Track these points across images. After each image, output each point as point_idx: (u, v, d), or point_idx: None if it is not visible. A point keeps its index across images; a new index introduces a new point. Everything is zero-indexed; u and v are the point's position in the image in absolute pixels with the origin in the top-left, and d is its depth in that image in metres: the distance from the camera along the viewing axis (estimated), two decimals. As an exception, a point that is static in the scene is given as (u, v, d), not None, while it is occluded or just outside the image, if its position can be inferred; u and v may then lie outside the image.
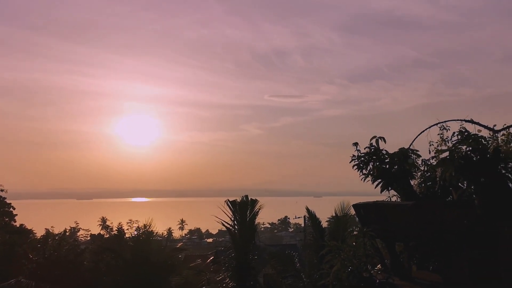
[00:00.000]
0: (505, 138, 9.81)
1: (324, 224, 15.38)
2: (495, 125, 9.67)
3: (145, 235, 16.41)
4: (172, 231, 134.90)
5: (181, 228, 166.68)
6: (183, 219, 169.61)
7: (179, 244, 31.33)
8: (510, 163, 7.20)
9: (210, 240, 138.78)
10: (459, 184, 7.97)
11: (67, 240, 23.81)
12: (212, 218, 15.34)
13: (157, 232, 20.11)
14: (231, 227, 14.94)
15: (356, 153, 9.44)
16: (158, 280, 15.12)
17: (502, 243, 6.96)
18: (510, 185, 7.32)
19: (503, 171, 7.18)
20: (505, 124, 9.78)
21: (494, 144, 9.54)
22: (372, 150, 9.25)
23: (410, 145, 9.80)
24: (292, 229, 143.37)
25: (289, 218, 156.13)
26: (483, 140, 7.36)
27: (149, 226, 16.51)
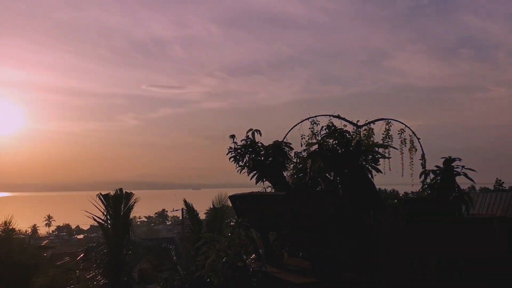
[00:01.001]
0: (366, 133, 10.75)
1: (202, 216, 15.43)
2: (358, 121, 10.54)
3: (5, 233, 14.93)
4: (37, 228, 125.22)
5: (48, 225, 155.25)
6: (50, 215, 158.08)
7: (45, 242, 29.11)
8: (370, 156, 7.88)
9: (80, 236, 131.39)
10: (327, 175, 8.51)
11: None
12: (83, 213, 14.50)
13: (19, 230, 18.43)
14: (103, 222, 14.27)
15: (233, 145, 9.61)
16: (20, 282, 13.89)
17: (366, 231, 7.60)
18: (369, 175, 8.03)
19: (364, 163, 7.84)
20: (366, 120, 10.71)
21: (357, 138, 10.40)
22: (248, 142, 9.49)
23: (283, 138, 10.24)
24: (170, 222, 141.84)
25: (166, 211, 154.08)
26: (347, 134, 7.95)
27: (9, 224, 15.04)
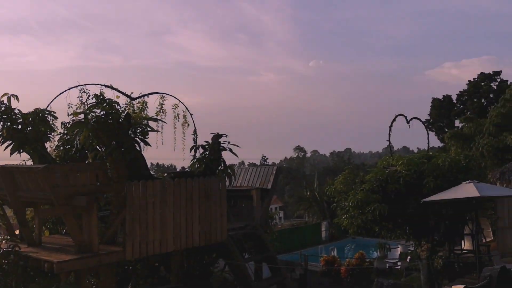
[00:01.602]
0: (140, 106, 10.61)
1: None
2: (132, 93, 10.28)
3: None
4: None
5: None
6: None
7: None
8: (139, 128, 7.78)
9: None
10: (97, 147, 8.10)
11: None
12: None
13: None
14: None
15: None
16: None
17: (129, 202, 7.49)
18: (138, 148, 7.93)
19: (133, 135, 7.69)
20: (141, 93, 10.55)
21: (130, 110, 10.17)
22: (3, 109, 8.34)
23: (47, 106, 9.33)
24: None
25: None
26: (116, 105, 7.66)
27: None
